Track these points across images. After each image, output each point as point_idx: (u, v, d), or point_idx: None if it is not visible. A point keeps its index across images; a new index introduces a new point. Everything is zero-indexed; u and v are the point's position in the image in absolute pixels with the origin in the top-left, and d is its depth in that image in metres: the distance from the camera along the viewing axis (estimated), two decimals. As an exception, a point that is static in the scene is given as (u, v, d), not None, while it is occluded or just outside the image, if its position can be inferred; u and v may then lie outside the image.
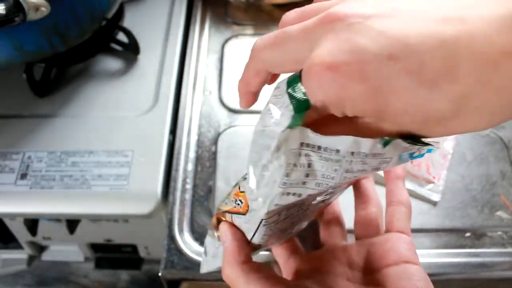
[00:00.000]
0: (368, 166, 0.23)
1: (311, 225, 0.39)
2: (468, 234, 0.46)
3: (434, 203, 0.47)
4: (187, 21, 0.65)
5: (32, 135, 0.51)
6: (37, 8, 0.42)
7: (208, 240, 0.34)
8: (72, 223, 0.53)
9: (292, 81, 0.22)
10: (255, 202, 0.25)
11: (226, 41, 0.63)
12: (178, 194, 0.48)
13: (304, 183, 0.23)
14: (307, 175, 0.22)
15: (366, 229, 0.34)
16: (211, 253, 0.34)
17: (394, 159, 0.24)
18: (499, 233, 0.46)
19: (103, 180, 0.48)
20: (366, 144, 0.22)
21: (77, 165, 0.49)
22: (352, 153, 0.22)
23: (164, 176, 0.49)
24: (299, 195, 0.23)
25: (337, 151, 0.22)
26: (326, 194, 0.27)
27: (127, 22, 0.62)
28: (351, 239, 0.36)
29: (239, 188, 0.28)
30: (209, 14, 0.67)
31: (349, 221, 0.38)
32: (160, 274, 0.43)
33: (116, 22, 0.60)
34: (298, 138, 0.21)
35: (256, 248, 0.31)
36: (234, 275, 0.28)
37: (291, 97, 0.22)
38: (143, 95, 0.56)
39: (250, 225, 0.27)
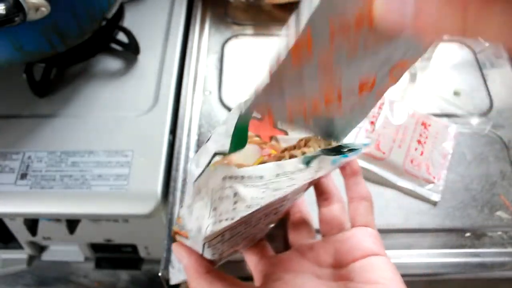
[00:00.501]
0: (297, 181, 0.24)
1: (280, 227, 0.40)
2: (468, 234, 0.46)
3: (434, 203, 0.47)
4: (187, 21, 0.65)
5: (32, 135, 0.51)
6: (37, 8, 0.42)
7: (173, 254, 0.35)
8: (72, 223, 0.53)
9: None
10: (191, 231, 0.26)
11: (226, 41, 0.63)
12: (178, 194, 0.48)
13: (234, 209, 0.24)
14: (235, 202, 0.24)
15: (331, 226, 0.35)
16: (176, 267, 0.35)
17: (326, 167, 0.25)
18: (499, 233, 0.46)
19: (103, 180, 0.48)
20: (289, 165, 0.24)
21: (77, 165, 0.49)
22: (277, 175, 0.24)
23: (164, 176, 0.49)
24: (232, 218, 0.24)
25: (261, 177, 0.24)
26: (275, 207, 0.28)
27: (127, 22, 0.62)
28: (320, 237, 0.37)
29: (179, 214, 0.29)
30: (209, 14, 0.67)
31: (316, 219, 0.38)
32: (160, 274, 0.43)
33: (116, 22, 0.60)
34: (220, 174, 0.23)
35: (215, 261, 0.32)
36: (199, 286, 0.29)
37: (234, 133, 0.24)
38: (143, 95, 0.56)
39: (196, 247, 0.29)
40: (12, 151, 0.50)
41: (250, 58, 0.61)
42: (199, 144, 0.52)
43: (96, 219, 0.52)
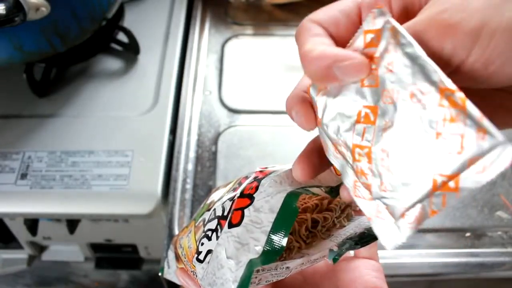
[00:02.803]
0: (314, 256, 0.26)
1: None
2: (468, 234, 0.46)
3: None
4: (187, 21, 0.65)
5: (32, 135, 0.51)
6: (37, 8, 0.42)
7: (170, 255, 0.35)
8: (72, 223, 0.53)
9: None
10: (201, 281, 0.26)
11: (226, 41, 0.63)
12: (178, 194, 0.48)
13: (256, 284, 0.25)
14: (259, 281, 0.25)
15: None
16: (173, 268, 0.34)
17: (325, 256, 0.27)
18: (499, 233, 0.46)
19: (103, 180, 0.48)
20: (316, 256, 0.25)
21: (77, 165, 0.49)
22: (302, 264, 0.25)
23: (164, 176, 0.49)
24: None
25: (287, 268, 0.25)
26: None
27: (127, 22, 0.62)
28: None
29: (197, 245, 0.28)
30: (209, 14, 0.67)
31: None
32: (160, 274, 0.43)
33: (116, 22, 0.59)
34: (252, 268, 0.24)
35: None
36: None
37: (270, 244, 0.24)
38: (143, 95, 0.56)
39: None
40: (12, 151, 0.50)
41: (250, 58, 0.61)
42: (199, 144, 0.52)
43: (96, 219, 0.52)
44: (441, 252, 0.45)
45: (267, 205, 0.25)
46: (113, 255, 0.60)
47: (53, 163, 0.49)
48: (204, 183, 0.49)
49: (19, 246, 0.59)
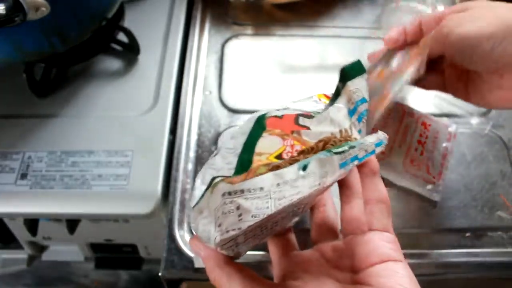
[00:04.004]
0: (302, 188, 0.24)
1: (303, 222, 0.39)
2: (468, 234, 0.46)
3: (434, 203, 0.47)
4: (187, 21, 0.65)
5: (32, 135, 0.51)
6: (37, 8, 0.42)
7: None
8: (72, 223, 0.53)
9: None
10: (201, 238, 0.26)
11: (226, 41, 0.63)
12: (178, 194, 0.48)
13: (240, 219, 0.24)
14: (240, 215, 0.24)
15: (351, 226, 0.34)
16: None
17: (334, 171, 0.25)
18: (499, 233, 0.46)
19: (103, 180, 0.48)
20: (289, 173, 0.24)
21: (77, 165, 0.49)
22: (278, 184, 0.24)
23: (164, 176, 0.49)
24: (239, 228, 0.24)
25: (261, 188, 0.24)
26: (291, 210, 0.28)
27: (127, 22, 0.62)
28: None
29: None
30: (209, 14, 0.67)
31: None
32: (160, 274, 0.43)
33: (116, 22, 0.59)
34: (219, 192, 0.24)
35: (234, 256, 0.31)
36: (218, 277, 0.29)
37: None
38: (143, 95, 0.56)
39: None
40: (12, 151, 0.50)
41: (250, 58, 0.61)
42: (199, 144, 0.52)
43: (96, 219, 0.52)
44: (441, 252, 0.45)
45: (240, 131, 0.27)
46: (113, 255, 0.60)
47: (53, 163, 0.49)
48: (204, 183, 0.49)
49: (19, 246, 0.59)
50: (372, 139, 0.28)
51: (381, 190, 0.34)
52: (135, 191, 0.47)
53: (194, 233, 0.31)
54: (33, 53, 0.49)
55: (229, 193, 0.24)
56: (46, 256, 0.60)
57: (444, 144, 0.50)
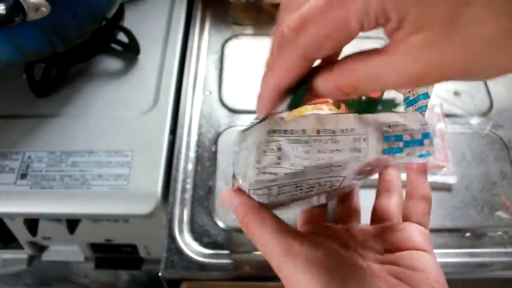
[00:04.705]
0: (341, 145, 0.24)
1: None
2: (468, 234, 0.46)
3: (449, 188, 0.48)
4: (187, 21, 0.65)
5: (32, 135, 0.51)
6: (37, 8, 0.42)
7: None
8: (72, 223, 0.53)
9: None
10: (239, 175, 0.26)
11: (226, 41, 0.63)
12: (178, 194, 0.48)
13: (277, 163, 0.24)
14: (278, 158, 0.24)
15: (382, 217, 0.34)
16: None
17: (373, 141, 0.25)
18: (499, 233, 0.46)
19: (103, 180, 0.48)
20: (330, 122, 0.24)
21: (77, 165, 0.49)
22: (318, 131, 0.24)
23: (164, 176, 0.49)
24: (275, 174, 0.25)
25: (303, 131, 0.24)
26: (328, 176, 0.28)
27: (127, 22, 0.62)
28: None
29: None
30: (209, 14, 0.67)
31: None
32: (160, 274, 0.43)
33: (116, 22, 0.59)
34: (266, 128, 0.24)
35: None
36: (251, 222, 0.28)
37: None
38: (143, 95, 0.56)
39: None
40: (12, 151, 0.50)
41: (250, 58, 0.61)
42: (199, 144, 0.52)
43: (96, 219, 0.52)
44: (441, 252, 0.45)
45: None
46: (113, 255, 0.60)
47: (53, 163, 0.49)
48: (204, 183, 0.49)
49: (19, 246, 0.59)
50: (416, 125, 0.27)
51: (427, 188, 0.34)
52: (135, 191, 0.47)
53: (234, 175, 0.30)
54: (33, 53, 0.49)
55: (274, 131, 0.24)
56: (46, 256, 0.60)
57: (437, 127, 0.50)
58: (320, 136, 0.24)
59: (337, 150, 0.24)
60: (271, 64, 0.22)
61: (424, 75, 0.19)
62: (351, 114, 0.25)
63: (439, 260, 0.44)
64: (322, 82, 0.22)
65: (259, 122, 0.25)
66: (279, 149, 0.24)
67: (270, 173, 0.25)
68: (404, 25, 0.18)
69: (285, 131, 0.24)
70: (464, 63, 0.18)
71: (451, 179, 0.48)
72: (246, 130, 0.25)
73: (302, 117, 0.24)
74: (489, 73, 0.19)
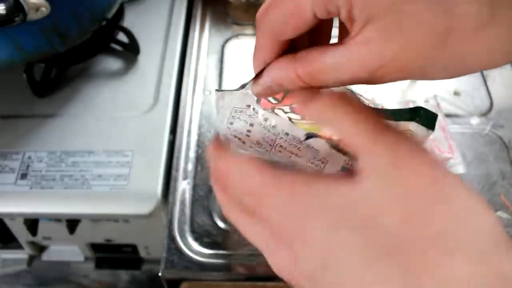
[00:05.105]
0: (302, 154, 0.26)
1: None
2: (468, 234, 0.46)
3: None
4: (187, 21, 0.65)
5: (32, 135, 0.51)
6: (37, 8, 0.42)
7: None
8: (72, 223, 0.53)
9: None
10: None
11: (226, 41, 0.63)
12: (178, 194, 0.48)
13: (247, 135, 0.27)
14: (248, 131, 0.27)
15: None
16: None
17: (334, 165, 0.26)
18: (499, 233, 0.46)
19: (103, 180, 0.48)
20: (298, 131, 0.25)
21: (77, 165, 0.49)
22: (287, 134, 0.26)
23: (164, 176, 0.49)
24: (251, 124, 0.27)
25: (273, 127, 0.25)
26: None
27: (127, 22, 0.62)
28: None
29: None
30: (209, 14, 0.67)
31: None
32: (160, 274, 0.43)
33: (116, 22, 0.59)
34: (247, 101, 0.26)
35: None
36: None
37: None
38: (143, 95, 0.56)
39: None
40: (12, 151, 0.50)
41: (250, 58, 0.60)
42: (199, 144, 0.52)
43: (96, 219, 0.52)
44: (441, 252, 0.45)
45: None
46: (113, 255, 0.60)
47: (53, 163, 0.49)
48: (204, 183, 0.49)
49: (19, 246, 0.59)
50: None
51: None
52: (135, 191, 0.47)
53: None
54: (34, 53, 0.49)
55: (253, 109, 0.26)
56: (46, 256, 0.60)
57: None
58: (287, 137, 0.26)
59: (296, 154, 0.26)
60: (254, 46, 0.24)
61: (380, 68, 0.19)
62: (324, 140, 0.25)
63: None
64: (285, 70, 0.22)
65: (241, 86, 0.26)
66: (252, 125, 0.26)
67: (245, 121, 0.27)
68: (354, 15, 0.18)
69: (264, 118, 0.26)
70: (417, 57, 0.18)
71: (459, 169, 0.47)
72: (226, 90, 0.27)
73: (280, 116, 0.25)
74: (446, 71, 0.19)
